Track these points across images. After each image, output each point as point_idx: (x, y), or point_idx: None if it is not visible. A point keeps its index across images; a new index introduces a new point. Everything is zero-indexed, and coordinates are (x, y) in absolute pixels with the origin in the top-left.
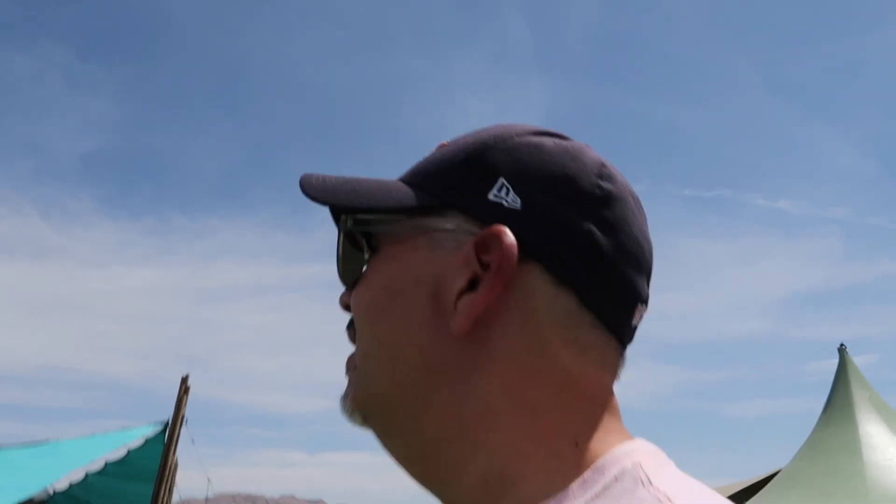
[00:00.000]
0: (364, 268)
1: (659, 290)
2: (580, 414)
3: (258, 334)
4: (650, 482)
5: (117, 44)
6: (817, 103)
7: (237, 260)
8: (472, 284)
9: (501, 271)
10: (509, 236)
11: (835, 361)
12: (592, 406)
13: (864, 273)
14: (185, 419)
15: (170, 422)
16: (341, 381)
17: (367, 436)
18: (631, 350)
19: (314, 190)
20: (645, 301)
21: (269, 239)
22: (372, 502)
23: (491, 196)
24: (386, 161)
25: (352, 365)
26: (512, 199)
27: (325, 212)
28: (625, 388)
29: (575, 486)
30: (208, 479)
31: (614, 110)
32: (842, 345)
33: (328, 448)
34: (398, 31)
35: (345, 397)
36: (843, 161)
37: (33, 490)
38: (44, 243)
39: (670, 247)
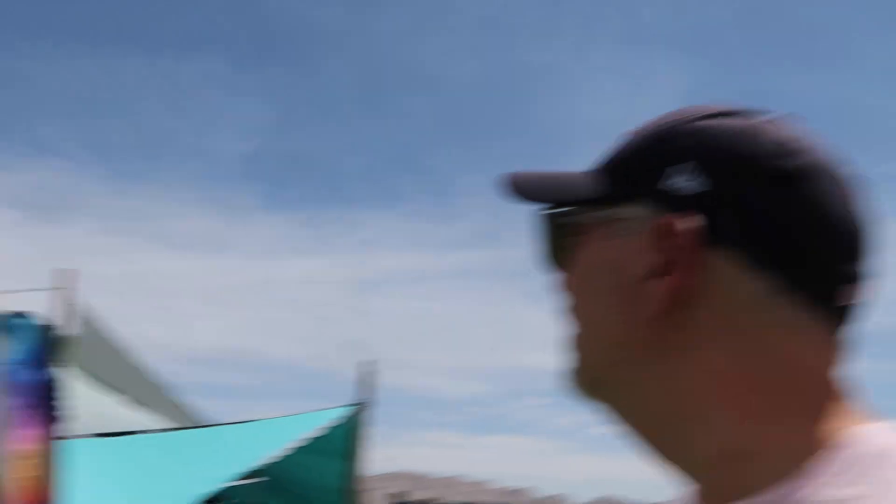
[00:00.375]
0: (565, 254)
1: None
2: (803, 394)
3: (416, 320)
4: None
5: (267, 51)
6: None
7: (389, 249)
8: (657, 269)
9: (682, 258)
10: (686, 223)
11: None
12: (815, 386)
13: None
14: (371, 402)
15: (360, 404)
16: (498, 366)
17: (525, 420)
18: None
19: (521, 190)
20: (853, 280)
21: (417, 229)
22: (535, 484)
23: (674, 182)
24: (523, 151)
25: (568, 345)
26: (695, 185)
27: (467, 202)
28: None
29: (815, 464)
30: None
31: (754, 89)
32: None
33: (488, 431)
34: (526, 23)
35: (567, 375)
36: None
37: (251, 464)
38: (218, 238)
39: None
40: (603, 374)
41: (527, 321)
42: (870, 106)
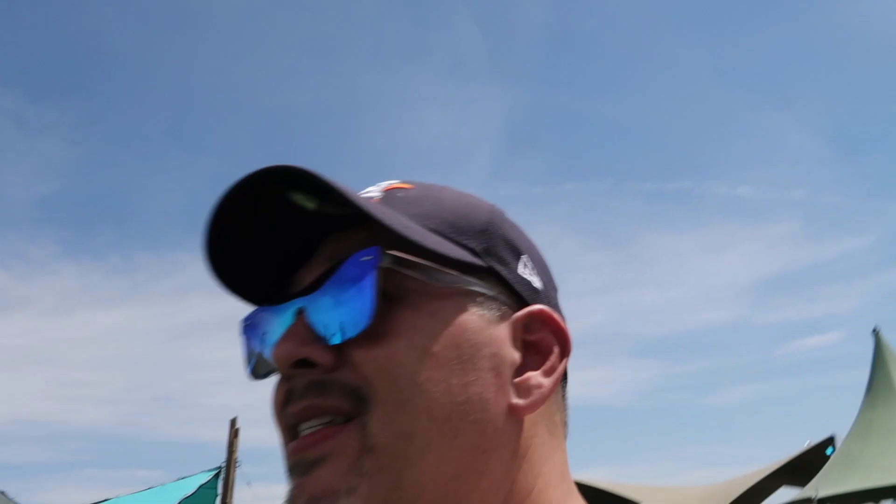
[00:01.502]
0: (372, 318)
1: (629, 286)
2: (566, 485)
3: (232, 369)
4: None
5: (66, 83)
6: (764, 87)
7: (206, 294)
8: (533, 363)
9: (565, 358)
10: (563, 324)
11: (805, 342)
12: (569, 477)
13: (826, 251)
14: (237, 461)
15: (223, 466)
16: None
17: None
18: (607, 348)
19: (357, 200)
20: None
21: None
22: None
23: (520, 270)
24: (347, 179)
25: (344, 448)
26: (535, 280)
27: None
28: (605, 386)
29: None
30: None
31: (571, 111)
32: (875, 328)
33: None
34: (351, 50)
35: (331, 496)
36: (795, 143)
37: None
38: (6, 293)
39: (637, 243)
40: (425, 489)
41: None
42: (666, 127)
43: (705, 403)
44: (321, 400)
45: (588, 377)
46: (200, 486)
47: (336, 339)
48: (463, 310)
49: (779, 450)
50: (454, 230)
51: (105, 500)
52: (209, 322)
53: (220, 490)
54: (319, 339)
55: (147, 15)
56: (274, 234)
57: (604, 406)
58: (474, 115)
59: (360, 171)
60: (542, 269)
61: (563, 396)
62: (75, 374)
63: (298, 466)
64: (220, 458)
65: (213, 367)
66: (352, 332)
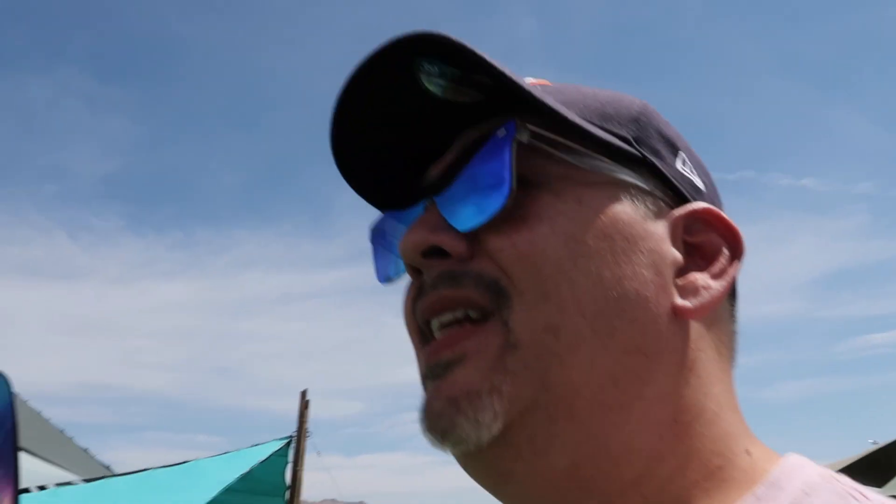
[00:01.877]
0: (515, 204)
1: None
2: (740, 419)
3: (286, 343)
4: (864, 496)
5: (133, 65)
6: (832, 77)
7: (263, 270)
8: (701, 263)
9: (738, 260)
10: (734, 224)
11: (868, 339)
12: (739, 410)
13: (893, 247)
14: (308, 432)
15: (294, 436)
16: (372, 386)
17: (402, 437)
18: None
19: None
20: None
21: (292, 248)
22: (413, 502)
23: (680, 167)
24: None
25: (485, 346)
26: (697, 179)
27: (346, 220)
28: None
29: (748, 501)
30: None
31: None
32: None
33: (365, 451)
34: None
35: (472, 396)
36: (864, 136)
37: None
38: (74, 263)
39: None
40: (578, 390)
41: (401, 337)
42: (728, 117)
43: (760, 397)
44: (454, 291)
45: None
46: (273, 454)
47: (469, 225)
48: (615, 199)
49: (838, 448)
50: (601, 117)
51: (185, 462)
52: (265, 297)
53: (290, 458)
54: (451, 228)
55: (207, 1)
56: (410, 131)
57: None
58: None
59: None
60: (702, 170)
61: (733, 315)
62: (137, 342)
63: (434, 370)
64: (274, 427)
65: (267, 340)
66: (486, 216)
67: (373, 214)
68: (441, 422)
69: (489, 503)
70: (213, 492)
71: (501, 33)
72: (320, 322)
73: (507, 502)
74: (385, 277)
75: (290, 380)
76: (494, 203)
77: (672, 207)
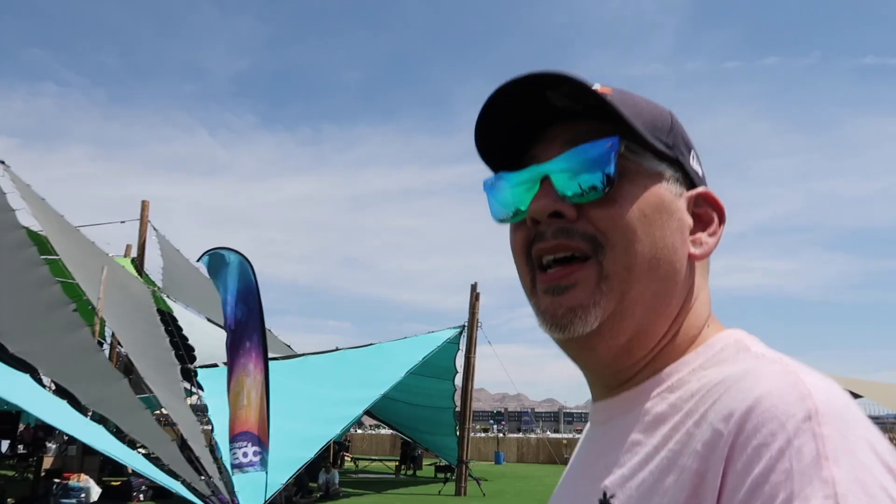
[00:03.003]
0: (605, 188)
1: (830, 174)
2: (709, 308)
3: (407, 237)
4: (749, 349)
5: None
6: None
7: (385, 167)
8: (703, 226)
9: (723, 224)
10: (721, 202)
11: None
12: (708, 306)
13: None
14: (479, 323)
15: (466, 325)
16: (490, 275)
17: (518, 330)
18: (797, 239)
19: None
20: None
21: (412, 145)
22: (527, 389)
23: (692, 161)
24: (527, 55)
25: (589, 277)
26: (700, 170)
27: (463, 118)
28: (792, 277)
29: (690, 356)
30: None
31: None
32: None
33: (481, 341)
34: None
35: (583, 308)
36: None
37: (385, 386)
38: (214, 159)
39: (843, 126)
40: (637, 303)
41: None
42: None
43: None
44: (568, 241)
45: (773, 267)
46: (446, 341)
47: (578, 200)
48: (661, 186)
49: None
50: (653, 129)
51: (370, 344)
52: (388, 192)
53: (461, 345)
54: (566, 199)
55: None
56: (520, 119)
57: (790, 298)
58: None
59: (538, 48)
60: (700, 162)
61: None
62: (271, 234)
63: (554, 289)
64: (399, 315)
65: (391, 233)
66: (594, 196)
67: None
68: (563, 321)
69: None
70: (401, 373)
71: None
72: (439, 218)
73: (581, 361)
74: (498, 219)
75: (411, 272)
76: (598, 192)
77: (687, 189)
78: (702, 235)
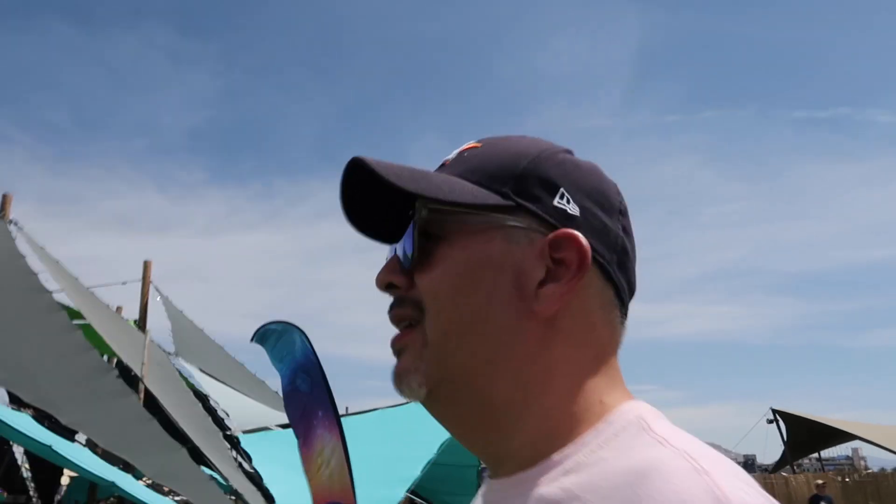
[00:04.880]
0: (424, 254)
1: (771, 219)
2: (605, 378)
3: (363, 291)
4: (651, 429)
5: (212, 17)
6: None
7: (339, 219)
8: (555, 275)
9: (583, 268)
10: (583, 239)
11: None
12: (612, 372)
13: None
14: None
15: None
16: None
17: None
18: (742, 284)
19: (396, 177)
20: (634, 291)
21: None
22: None
23: (555, 202)
24: (480, 109)
25: (414, 343)
26: (572, 208)
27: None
28: (738, 321)
29: (588, 434)
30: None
31: (711, 35)
32: None
33: None
34: None
35: (406, 373)
36: None
37: (437, 442)
38: (163, 215)
39: (783, 174)
40: (465, 370)
41: None
42: (820, 49)
43: (853, 346)
44: (400, 310)
45: (720, 313)
46: None
47: (407, 269)
48: (491, 240)
49: None
50: (490, 179)
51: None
52: (341, 246)
53: None
54: (403, 269)
55: None
56: (383, 201)
57: (736, 342)
58: (607, 40)
59: (492, 100)
60: (589, 197)
61: (618, 316)
62: (220, 290)
63: (394, 352)
64: (359, 371)
65: (344, 288)
66: (407, 265)
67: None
68: (397, 384)
69: None
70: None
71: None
72: None
73: (448, 430)
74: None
75: (367, 326)
76: (409, 259)
77: (546, 235)
78: (550, 286)
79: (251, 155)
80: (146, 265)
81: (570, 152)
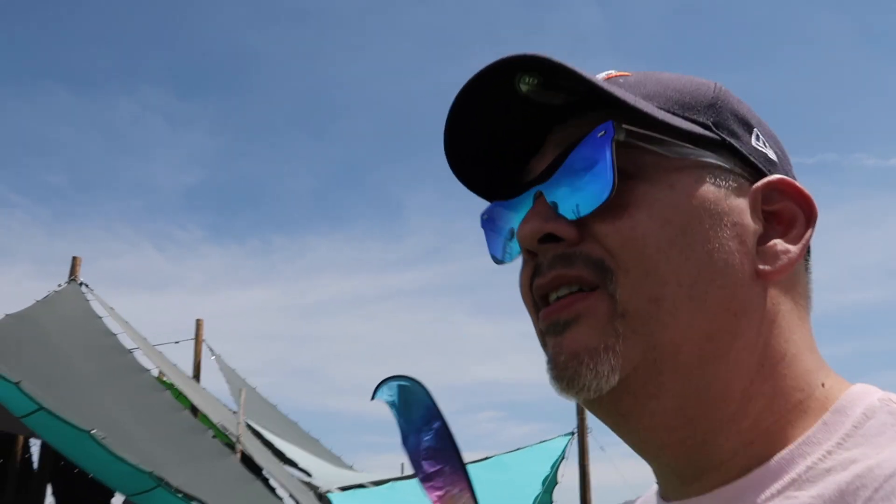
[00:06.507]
0: (612, 192)
1: None
2: (818, 358)
3: (361, 344)
4: None
5: (207, 80)
6: None
7: (336, 274)
8: (780, 230)
9: (812, 224)
10: (806, 191)
11: None
12: (817, 350)
13: None
14: (589, 428)
15: (576, 431)
16: (448, 382)
17: (479, 435)
18: None
19: (587, 75)
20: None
21: (364, 251)
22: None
23: (754, 143)
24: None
25: (596, 311)
26: (770, 152)
27: (416, 221)
28: None
29: (817, 430)
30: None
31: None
32: None
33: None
34: (468, 36)
35: (590, 353)
36: None
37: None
38: (161, 274)
39: None
40: (680, 348)
41: (472, 335)
42: (806, 97)
43: None
44: (568, 270)
45: None
46: (563, 449)
47: (577, 215)
48: (701, 181)
49: None
50: (682, 107)
51: (486, 458)
52: (339, 300)
53: (565, 454)
54: (561, 216)
55: (275, 15)
56: (507, 130)
57: None
58: None
59: None
60: (774, 141)
61: (807, 269)
62: (222, 347)
63: (553, 327)
64: (357, 426)
65: (343, 342)
66: (592, 206)
67: (444, 214)
68: (567, 372)
69: None
70: (536, 487)
71: (565, 26)
72: (394, 323)
73: (626, 438)
74: (497, 259)
75: (366, 380)
76: (599, 196)
77: (751, 181)
78: (778, 242)
79: (248, 212)
80: (198, 324)
81: None
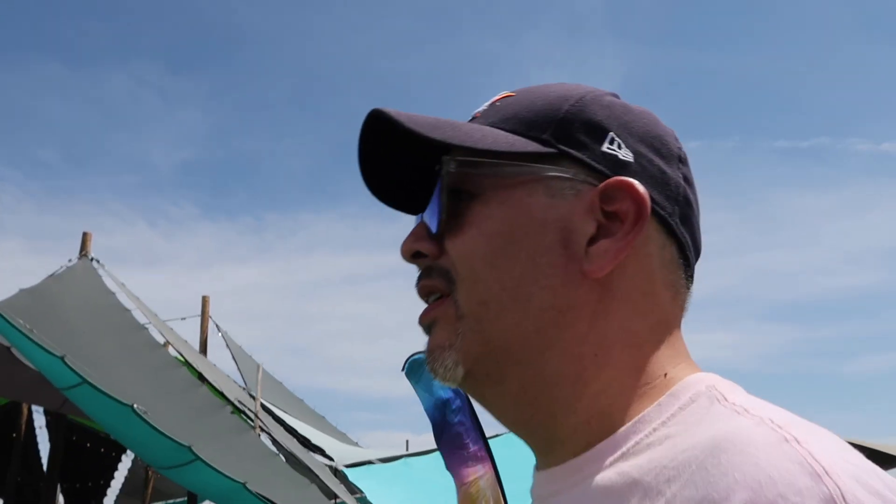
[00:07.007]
0: (454, 214)
1: (758, 248)
2: (669, 348)
3: (355, 322)
4: (725, 399)
5: (201, 56)
6: None
7: (330, 252)
8: (608, 230)
9: (641, 221)
10: (640, 186)
11: None
12: (675, 341)
13: None
14: None
15: None
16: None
17: (479, 413)
18: (732, 312)
19: (418, 126)
20: (700, 250)
21: (359, 229)
22: None
23: (604, 148)
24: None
25: (445, 315)
26: (623, 153)
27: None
28: (729, 350)
29: (651, 410)
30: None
31: (694, 68)
32: None
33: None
34: (465, 14)
35: (440, 350)
36: None
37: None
38: (153, 250)
39: (767, 203)
40: (509, 343)
41: None
42: (800, 81)
43: (843, 371)
44: (429, 281)
45: (711, 340)
46: None
47: (437, 234)
48: (533, 194)
49: None
50: (527, 126)
51: (497, 435)
52: (333, 278)
53: None
54: (429, 236)
55: None
56: (408, 158)
57: (728, 370)
58: (590, 77)
59: None
60: (643, 142)
61: (673, 264)
62: (222, 325)
63: (424, 329)
64: (351, 404)
65: (337, 320)
66: (435, 228)
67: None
68: (431, 366)
69: None
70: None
71: (563, 6)
72: (389, 301)
73: (491, 415)
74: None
75: (360, 359)
76: (437, 219)
77: (596, 185)
78: (602, 243)
79: (241, 190)
80: (205, 300)
81: (616, 96)
